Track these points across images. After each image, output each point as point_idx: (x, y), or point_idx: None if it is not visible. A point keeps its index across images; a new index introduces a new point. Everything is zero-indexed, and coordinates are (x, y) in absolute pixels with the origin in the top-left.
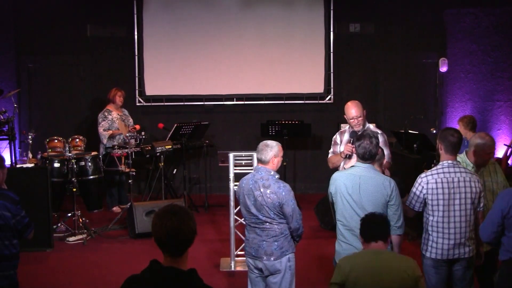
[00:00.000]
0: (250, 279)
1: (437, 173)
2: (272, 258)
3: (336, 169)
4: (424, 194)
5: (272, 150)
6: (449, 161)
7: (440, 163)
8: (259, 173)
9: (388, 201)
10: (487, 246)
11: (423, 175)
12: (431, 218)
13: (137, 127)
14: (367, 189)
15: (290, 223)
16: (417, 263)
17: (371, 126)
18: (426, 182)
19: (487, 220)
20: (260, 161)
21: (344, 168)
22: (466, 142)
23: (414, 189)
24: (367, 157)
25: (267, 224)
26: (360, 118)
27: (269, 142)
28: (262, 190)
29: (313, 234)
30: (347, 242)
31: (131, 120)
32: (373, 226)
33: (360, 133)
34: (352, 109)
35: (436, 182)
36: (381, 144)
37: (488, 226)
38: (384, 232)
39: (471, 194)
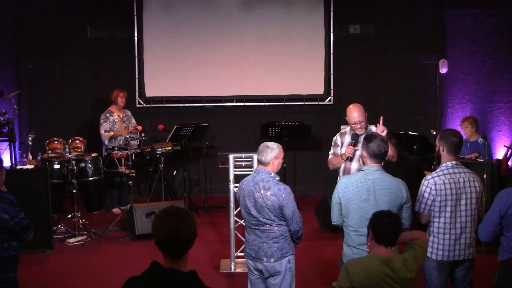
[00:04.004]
0: (250, 281)
1: (443, 174)
2: (272, 260)
3: (336, 171)
4: (433, 196)
5: (272, 151)
6: (453, 162)
7: (444, 164)
8: (259, 174)
9: (404, 203)
10: None
11: (429, 177)
12: (437, 220)
13: (139, 128)
14: (383, 193)
15: (290, 225)
16: (411, 254)
17: (373, 128)
18: (434, 184)
19: (485, 220)
20: (260, 162)
21: (345, 170)
22: (468, 143)
23: (422, 193)
24: (382, 153)
25: (267, 226)
26: (362, 123)
27: (270, 143)
28: (262, 192)
29: (313, 236)
30: (359, 248)
31: (133, 121)
32: (392, 230)
33: (365, 135)
34: (355, 113)
35: (444, 183)
36: None
37: (486, 226)
38: (396, 239)
39: (476, 194)
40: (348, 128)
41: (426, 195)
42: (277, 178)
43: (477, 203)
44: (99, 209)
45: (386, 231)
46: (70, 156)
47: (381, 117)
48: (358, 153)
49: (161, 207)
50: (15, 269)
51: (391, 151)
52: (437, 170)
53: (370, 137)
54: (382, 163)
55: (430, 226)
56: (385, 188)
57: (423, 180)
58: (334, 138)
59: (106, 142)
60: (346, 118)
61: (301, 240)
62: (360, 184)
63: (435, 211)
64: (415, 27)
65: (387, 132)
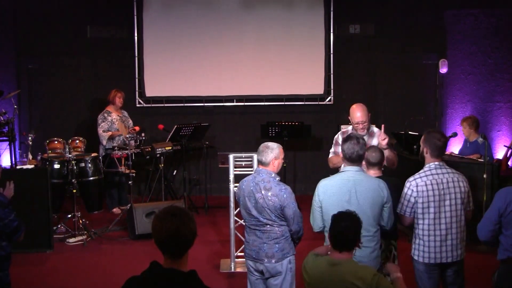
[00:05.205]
0: (250, 281)
1: (426, 176)
2: (273, 261)
3: (337, 170)
4: (415, 198)
5: (272, 152)
6: (436, 163)
7: (427, 165)
8: (260, 175)
9: (385, 203)
10: None
11: (411, 178)
12: (421, 221)
13: (137, 128)
14: (364, 193)
15: (291, 225)
16: (375, 271)
17: (375, 129)
18: (416, 185)
19: (484, 219)
20: (260, 162)
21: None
22: (468, 143)
23: (403, 195)
24: (355, 157)
25: (268, 226)
26: (365, 123)
27: (270, 143)
28: (263, 192)
29: (314, 235)
30: None
31: (130, 121)
32: (344, 236)
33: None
34: (358, 113)
35: (426, 185)
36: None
37: (485, 225)
38: (351, 245)
39: (461, 194)
40: (350, 127)
41: (407, 197)
42: (277, 179)
43: (462, 204)
44: (99, 209)
45: (338, 237)
46: (70, 156)
47: (383, 125)
48: None
49: (161, 207)
50: (6, 268)
51: (391, 159)
52: (420, 172)
53: (346, 138)
54: (361, 164)
55: (415, 228)
56: (366, 188)
57: (406, 182)
58: (336, 136)
59: (104, 142)
60: (349, 118)
61: (300, 240)
62: (340, 185)
63: (418, 213)
64: (415, 27)
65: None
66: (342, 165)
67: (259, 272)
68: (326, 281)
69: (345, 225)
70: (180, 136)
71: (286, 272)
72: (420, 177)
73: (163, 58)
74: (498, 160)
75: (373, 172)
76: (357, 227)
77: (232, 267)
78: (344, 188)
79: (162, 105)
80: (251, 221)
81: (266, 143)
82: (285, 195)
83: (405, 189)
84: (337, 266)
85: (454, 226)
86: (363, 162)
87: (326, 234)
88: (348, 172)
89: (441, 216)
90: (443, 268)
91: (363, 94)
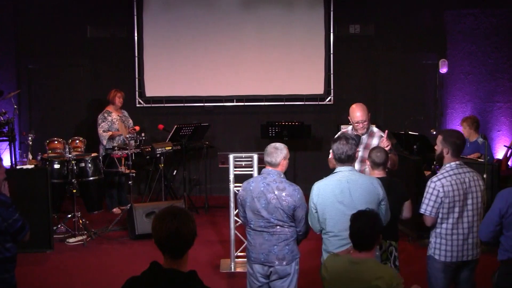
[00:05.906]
0: (251, 287)
1: (449, 175)
2: (284, 263)
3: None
4: (441, 198)
5: (281, 153)
6: (456, 162)
7: (448, 165)
8: (270, 176)
9: (382, 200)
10: None
11: (434, 179)
12: (445, 221)
13: (137, 128)
14: (358, 192)
15: (301, 226)
16: (395, 274)
17: (375, 129)
18: (441, 186)
19: (485, 220)
20: (269, 164)
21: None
22: (468, 143)
23: (428, 195)
24: (344, 158)
25: (278, 227)
26: (365, 123)
27: (278, 144)
28: (276, 192)
29: (316, 235)
30: None
31: (130, 121)
32: (362, 236)
33: (337, 135)
34: (358, 112)
35: (451, 185)
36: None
37: (486, 225)
38: (371, 244)
39: (481, 193)
40: (349, 127)
41: (433, 197)
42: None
43: (482, 202)
44: (99, 209)
45: (354, 237)
46: (70, 156)
47: (386, 131)
48: (359, 154)
49: (161, 207)
50: (11, 270)
51: (392, 160)
52: (442, 171)
53: (335, 139)
54: (353, 164)
55: (436, 228)
56: (360, 187)
57: (429, 182)
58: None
59: (104, 142)
60: (349, 117)
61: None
62: (334, 186)
63: (443, 213)
64: (415, 27)
65: (388, 134)
66: (356, 164)
67: (265, 277)
68: (345, 279)
69: (360, 225)
70: (180, 136)
71: (293, 274)
72: (444, 177)
73: (163, 58)
74: (498, 160)
75: (378, 173)
76: (373, 225)
77: (232, 267)
78: (338, 189)
79: (162, 105)
80: (258, 223)
81: (273, 144)
82: (298, 196)
83: (430, 189)
84: (357, 264)
85: (475, 225)
86: (367, 162)
87: (324, 236)
88: (341, 172)
89: (463, 215)
90: (460, 267)
91: (363, 94)
